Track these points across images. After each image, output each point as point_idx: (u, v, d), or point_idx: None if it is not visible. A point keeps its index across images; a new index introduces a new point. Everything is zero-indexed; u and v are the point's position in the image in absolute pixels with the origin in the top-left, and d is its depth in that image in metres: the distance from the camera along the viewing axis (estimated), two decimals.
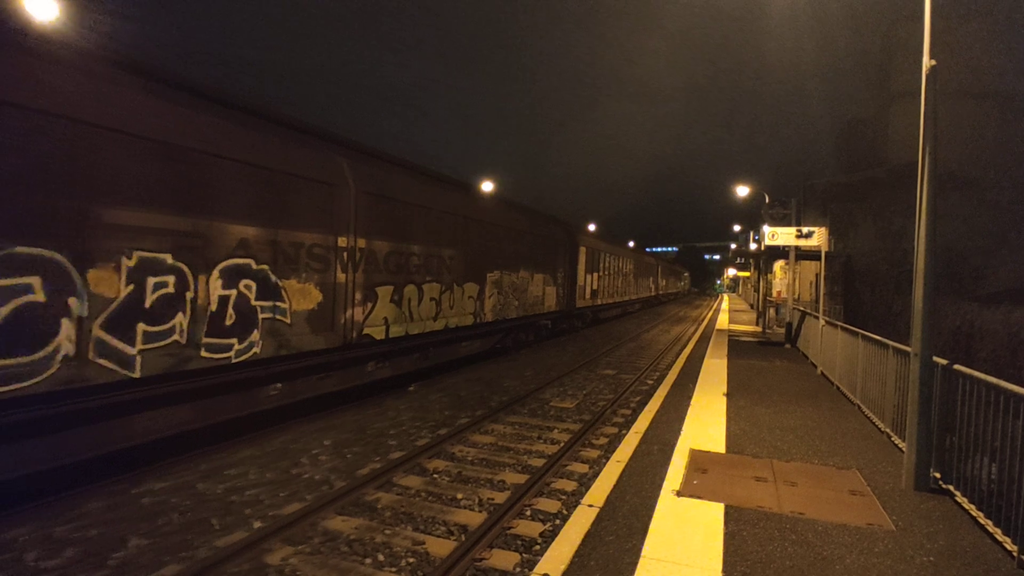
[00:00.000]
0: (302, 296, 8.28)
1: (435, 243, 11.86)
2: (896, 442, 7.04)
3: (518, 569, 4.75)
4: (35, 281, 5.14)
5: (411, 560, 4.88)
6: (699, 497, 5.28)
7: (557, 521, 5.65)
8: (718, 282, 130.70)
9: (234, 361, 7.19)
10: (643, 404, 9.76)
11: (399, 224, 10.54)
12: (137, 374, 6.01)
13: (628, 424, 8.91)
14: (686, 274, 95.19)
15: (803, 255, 20.28)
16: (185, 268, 6.57)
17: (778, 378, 11.91)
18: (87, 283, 5.56)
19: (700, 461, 6.31)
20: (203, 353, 6.78)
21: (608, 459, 6.52)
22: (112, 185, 5.80)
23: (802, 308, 18.77)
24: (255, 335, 7.50)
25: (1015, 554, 4.19)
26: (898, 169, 24.63)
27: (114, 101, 5.93)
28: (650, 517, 4.82)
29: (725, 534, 4.53)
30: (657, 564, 4.03)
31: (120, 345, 5.85)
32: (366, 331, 9.67)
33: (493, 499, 6.21)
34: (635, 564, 4.03)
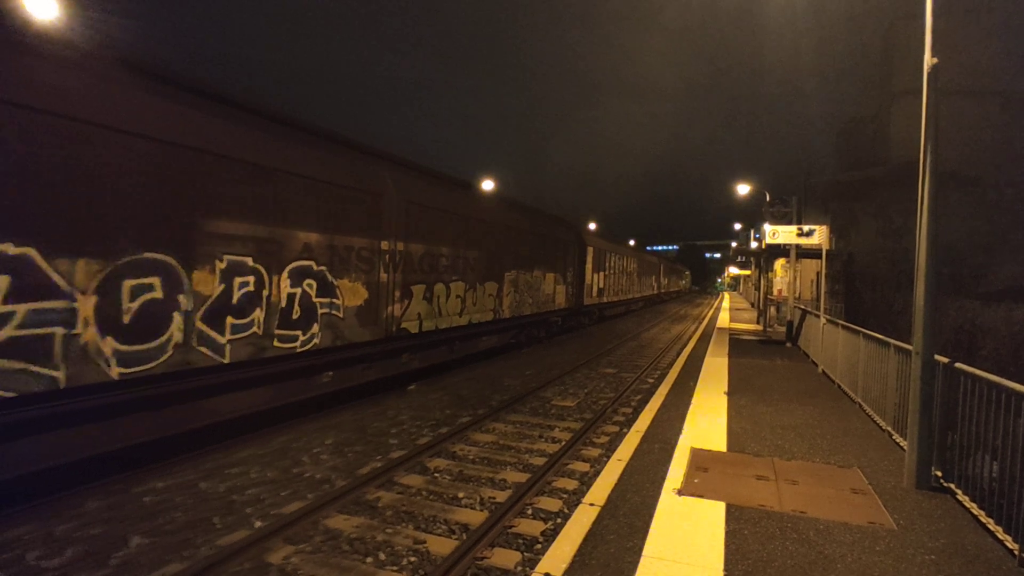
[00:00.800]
0: (352, 294, 9.31)
1: (461, 245, 12.92)
2: (897, 440, 7.03)
3: (519, 568, 4.75)
4: (156, 281, 6.20)
5: (412, 559, 4.88)
6: (700, 496, 5.28)
7: (558, 520, 5.66)
8: (719, 280, 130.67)
9: (299, 350, 8.22)
10: (644, 403, 9.75)
11: (430, 228, 11.62)
12: (226, 360, 7.04)
13: (629, 423, 8.91)
14: (687, 273, 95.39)
15: (804, 253, 20.27)
16: (262, 269, 7.60)
17: (779, 377, 11.90)
18: (192, 283, 6.60)
19: (701, 460, 6.31)
20: (275, 343, 7.81)
21: (609, 458, 6.52)
22: (213, 200, 6.87)
23: (803, 307, 18.75)
24: (315, 328, 8.52)
25: (1016, 552, 4.19)
26: (899, 167, 24.60)
27: (225, 132, 7.21)
28: (651, 516, 4.82)
29: (726, 533, 4.53)
30: (658, 563, 4.03)
31: (214, 335, 6.88)
32: (403, 325, 10.73)
33: (494, 498, 6.21)
34: (636, 563, 4.03)
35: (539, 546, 5.13)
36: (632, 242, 52.67)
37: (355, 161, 9.83)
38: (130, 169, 5.93)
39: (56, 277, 5.32)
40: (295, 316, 8.11)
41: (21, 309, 5.05)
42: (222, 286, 6.97)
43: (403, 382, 11.56)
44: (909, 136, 23.68)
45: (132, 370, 5.94)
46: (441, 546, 5.07)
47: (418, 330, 11.21)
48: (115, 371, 5.80)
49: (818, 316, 13.45)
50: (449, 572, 4.54)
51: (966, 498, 5.16)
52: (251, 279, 7.38)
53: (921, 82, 5.74)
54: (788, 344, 17.79)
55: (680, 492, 5.36)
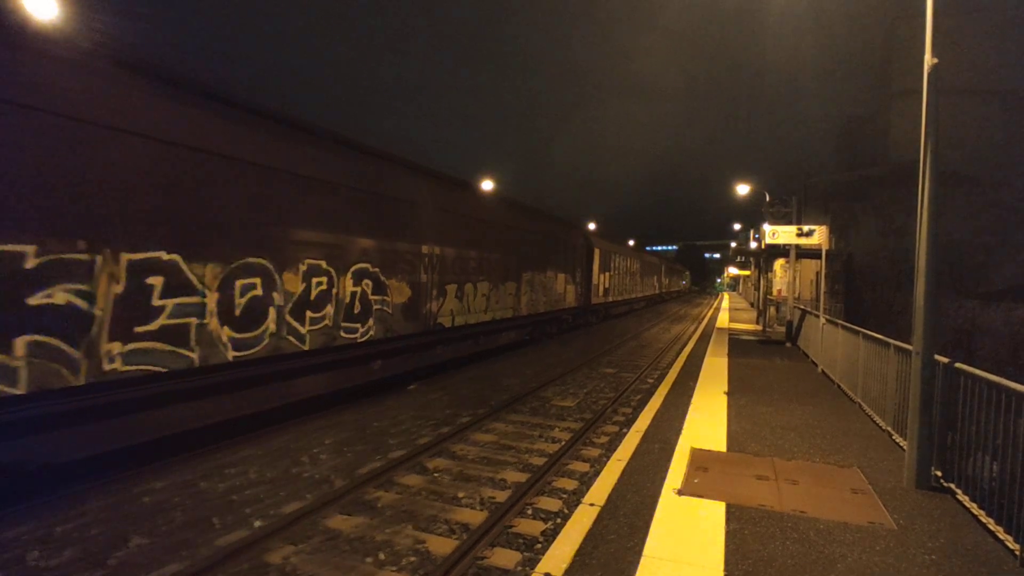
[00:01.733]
0: (399, 292, 10.68)
1: (485, 248, 14.34)
2: (897, 440, 7.03)
3: (520, 568, 4.74)
4: (258, 281, 7.54)
5: (412, 559, 4.87)
6: (700, 496, 5.27)
7: (558, 520, 5.65)
8: (718, 280, 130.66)
9: (359, 340, 9.57)
10: (644, 403, 9.75)
11: (460, 233, 12.99)
12: (306, 347, 8.37)
13: (629, 423, 8.90)
14: (686, 273, 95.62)
15: (803, 253, 20.27)
16: (333, 271, 8.94)
17: (779, 377, 11.90)
18: (283, 282, 7.94)
19: (701, 460, 6.31)
20: (342, 334, 9.18)
21: (609, 458, 6.51)
22: (297, 212, 8.19)
23: (802, 306, 18.75)
24: (371, 322, 9.90)
25: (1017, 552, 4.18)
26: (899, 167, 24.58)
27: (306, 155, 8.59)
28: (651, 516, 4.81)
29: (727, 532, 4.53)
30: (659, 563, 4.03)
31: (297, 326, 8.23)
32: (439, 320, 12.13)
33: (494, 498, 6.20)
34: (637, 563, 4.02)
35: (539, 546, 5.13)
36: (631, 242, 52.72)
37: (398, 174, 11.12)
38: (246, 192, 7.39)
39: (193, 278, 6.63)
40: (356, 311, 9.49)
41: (170, 303, 6.37)
42: (303, 285, 8.33)
43: (408, 381, 11.74)
44: (909, 136, 23.67)
45: (242, 353, 7.27)
46: (441, 546, 5.06)
47: (451, 324, 12.67)
48: (231, 354, 7.11)
49: (818, 316, 13.44)
50: (449, 572, 4.53)
51: (966, 498, 5.16)
52: (324, 279, 8.77)
53: (921, 82, 5.74)
54: (788, 344, 17.79)
55: (680, 492, 5.35)
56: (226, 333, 7.02)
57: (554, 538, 4.55)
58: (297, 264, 8.18)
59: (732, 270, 73.43)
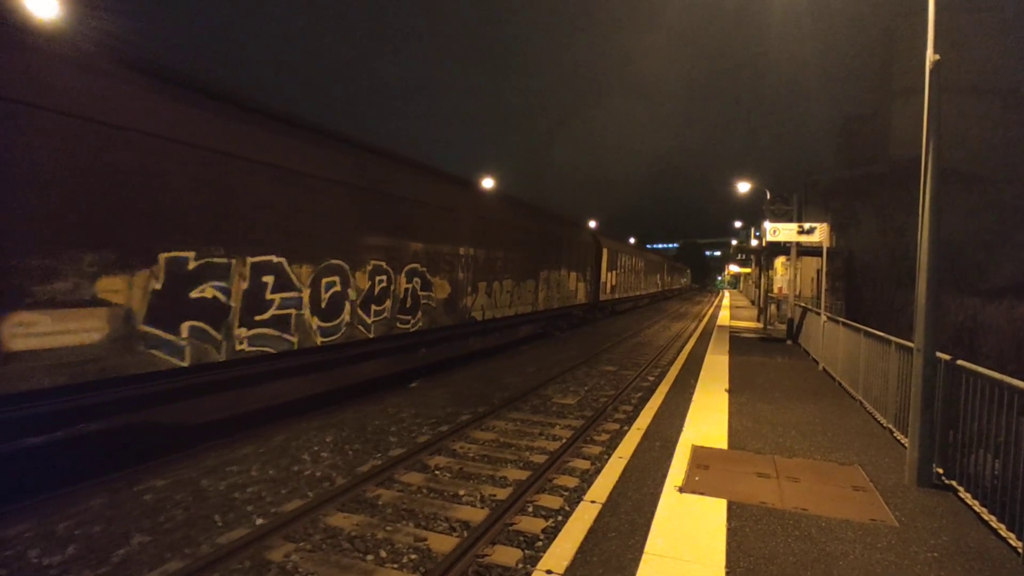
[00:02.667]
0: (441, 289, 12.26)
1: (510, 249, 15.89)
2: (898, 438, 7.03)
3: (521, 566, 4.74)
4: (336, 279, 8.98)
5: (413, 557, 4.87)
6: (701, 493, 5.27)
7: (559, 517, 5.64)
8: (719, 278, 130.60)
9: (410, 331, 11.17)
10: (644, 400, 9.74)
11: (491, 236, 14.61)
12: (371, 335, 9.91)
13: (630, 420, 8.90)
14: (687, 271, 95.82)
15: (804, 251, 20.26)
16: (391, 271, 10.43)
17: (780, 374, 11.90)
18: (355, 280, 9.42)
19: (702, 457, 6.31)
20: (398, 324, 10.70)
21: (610, 455, 6.51)
22: (367, 220, 9.74)
23: (803, 304, 18.74)
24: (419, 314, 11.46)
25: (1020, 550, 4.18)
26: (900, 165, 24.56)
27: (375, 171, 10.21)
28: (653, 513, 4.81)
29: (728, 530, 4.53)
30: (660, 560, 4.02)
31: (365, 317, 9.75)
32: (472, 314, 13.74)
33: (495, 495, 6.20)
34: (638, 560, 4.02)
35: (540, 544, 5.12)
36: (632, 240, 52.81)
37: (443, 186, 12.86)
38: (329, 205, 8.86)
39: (294, 277, 8.11)
40: (408, 305, 11.01)
41: (278, 297, 7.84)
42: (369, 283, 9.81)
43: (411, 378, 11.85)
44: (910, 134, 23.63)
45: (326, 339, 8.78)
46: (442, 544, 5.06)
47: (481, 318, 14.29)
48: (319, 340, 8.61)
49: (819, 314, 13.43)
50: (450, 570, 4.52)
51: (968, 495, 5.15)
52: (385, 277, 10.28)
53: (922, 80, 5.73)
54: (788, 342, 17.78)
55: (681, 489, 5.35)
56: (315, 322, 8.55)
57: (555, 536, 4.54)
58: (365, 265, 9.71)
59: (733, 268, 73.41)
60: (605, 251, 27.10)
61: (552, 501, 6.07)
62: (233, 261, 7.12)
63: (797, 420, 8.06)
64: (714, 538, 4.38)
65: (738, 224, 59.66)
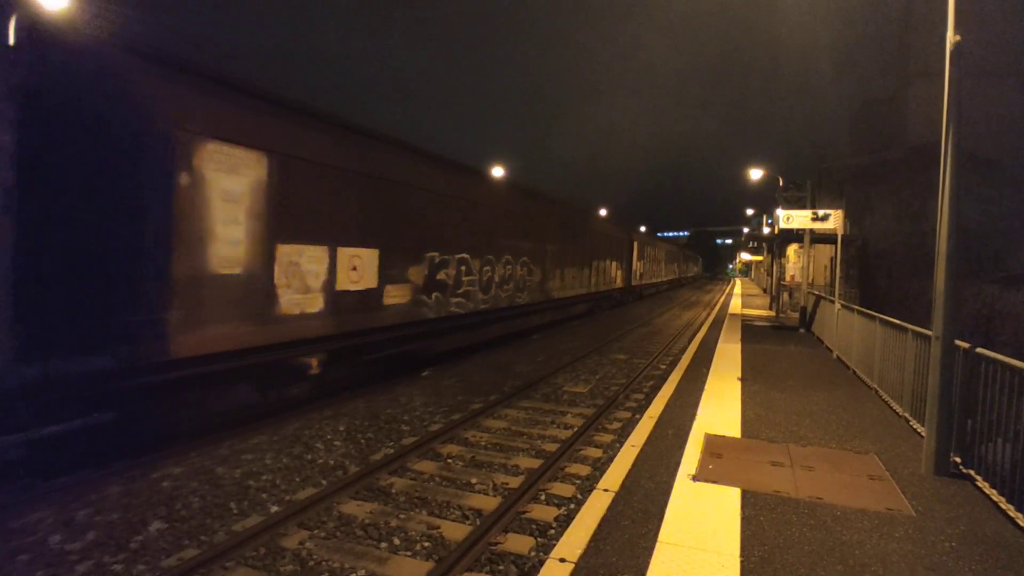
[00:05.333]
0: (536, 274, 17.26)
1: (574, 244, 20.87)
2: (915, 426, 6.95)
3: (533, 553, 4.75)
4: (489, 267, 13.96)
5: (426, 544, 4.89)
6: (715, 482, 5.25)
7: (572, 506, 5.65)
8: (730, 267, 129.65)
9: (520, 303, 16.11)
10: (656, 389, 9.71)
11: (563, 234, 19.75)
12: (503, 306, 14.83)
13: (642, 409, 8.87)
14: (699, 259, 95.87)
15: (818, 238, 20.03)
16: (515, 261, 15.59)
17: (793, 363, 11.81)
18: (496, 268, 14.33)
19: (715, 446, 6.28)
20: (515, 299, 15.73)
21: (622, 444, 6.49)
22: (505, 229, 14.77)
23: (817, 292, 18.56)
24: (525, 293, 16.49)
25: None
26: (917, 149, 24.13)
27: (511, 196, 15.90)
28: (666, 502, 4.80)
29: (742, 519, 4.50)
30: (674, 549, 4.01)
31: (500, 293, 14.67)
32: (551, 294, 18.77)
33: (507, 484, 6.21)
34: (651, 549, 4.01)
35: (553, 532, 5.13)
36: (643, 228, 52.72)
37: (536, 200, 18.14)
38: (487, 221, 13.84)
39: (472, 267, 13.08)
40: (521, 285, 16.09)
41: (465, 279, 12.80)
42: (503, 270, 14.85)
43: (424, 365, 11.78)
44: (927, 118, 23.18)
45: (483, 306, 13.70)
46: (455, 531, 5.08)
47: (557, 297, 19.27)
48: (481, 307, 13.57)
49: (832, 302, 13.29)
50: (463, 557, 4.54)
51: (985, 484, 5.09)
52: (511, 266, 15.36)
53: (941, 62, 5.59)
54: (801, 330, 17.64)
55: (695, 478, 5.33)
56: (479, 295, 13.52)
57: (568, 524, 4.54)
58: (501, 258, 14.65)
59: (744, 256, 72.82)
60: (635, 244, 32.46)
61: (564, 489, 6.08)
62: (449, 258, 12.15)
63: (811, 408, 8.00)
64: (728, 527, 4.36)
65: (750, 211, 59.07)
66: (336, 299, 8.71)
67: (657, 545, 4.06)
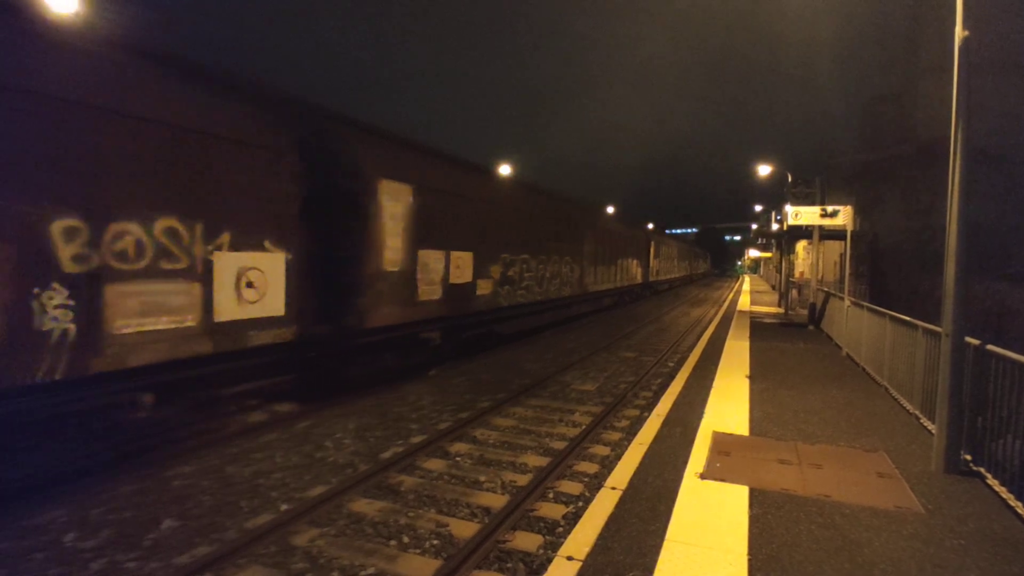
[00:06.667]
0: (576, 271, 20.64)
1: (603, 245, 24.21)
2: (925, 424, 6.92)
3: (541, 551, 4.77)
4: (544, 265, 17.49)
5: (435, 542, 4.93)
6: (723, 480, 5.25)
7: (580, 503, 5.67)
8: (739, 263, 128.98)
9: (565, 295, 19.55)
10: (664, 386, 9.70)
11: (598, 238, 23.41)
12: (552, 297, 18.22)
13: (650, 407, 8.87)
14: (707, 256, 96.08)
15: (827, 235, 19.89)
16: (560, 261, 18.91)
17: (801, 360, 11.76)
18: (548, 266, 17.83)
19: (723, 444, 6.27)
20: (563, 292, 19.25)
21: (630, 442, 6.50)
22: (554, 230, 18.56)
23: (826, 289, 18.45)
24: (568, 287, 19.73)
25: None
26: (927, 145, 23.93)
27: (554, 206, 19.43)
28: (674, 500, 4.80)
29: (750, 517, 4.50)
30: (682, 547, 4.02)
31: (550, 287, 18.14)
32: (587, 288, 22.15)
33: (515, 482, 6.24)
34: (659, 546, 4.02)
35: (561, 530, 5.15)
36: (651, 226, 52.77)
37: (576, 207, 21.63)
38: (544, 229, 17.48)
39: (531, 265, 16.30)
40: (565, 280, 19.49)
41: (528, 275, 16.10)
42: (553, 267, 18.19)
43: (430, 365, 11.84)
44: (936, 113, 22.96)
45: (538, 297, 16.94)
46: (463, 529, 5.12)
47: (590, 290, 22.66)
48: (551, 296, 18.09)
49: (841, 298, 13.22)
50: (472, 555, 4.57)
51: (996, 482, 5.06)
52: (560, 265, 18.83)
53: (948, 56, 5.55)
54: (810, 327, 17.55)
55: (703, 476, 5.33)
56: (536, 288, 16.67)
57: (576, 522, 4.56)
58: (552, 257, 18.05)
59: (753, 252, 72.44)
60: (652, 243, 36.31)
61: (572, 487, 6.10)
62: (516, 258, 15.08)
63: (820, 406, 7.97)
64: (736, 525, 4.36)
65: (758, 208, 58.71)
66: (449, 289, 11.98)
67: (665, 543, 4.07)
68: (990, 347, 5.21)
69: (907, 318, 7.95)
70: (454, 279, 12.11)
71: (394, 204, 9.99)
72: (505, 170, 20.50)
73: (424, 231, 10.83)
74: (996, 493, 4.97)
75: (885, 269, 24.83)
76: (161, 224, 6.24)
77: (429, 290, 11.17)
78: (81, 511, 5.29)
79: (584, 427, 8.11)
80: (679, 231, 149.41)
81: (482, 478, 6.32)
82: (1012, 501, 4.72)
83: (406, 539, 4.97)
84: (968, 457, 5.53)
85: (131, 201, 5.94)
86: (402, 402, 9.34)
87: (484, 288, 13.50)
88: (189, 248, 6.52)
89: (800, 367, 10.90)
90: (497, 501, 5.72)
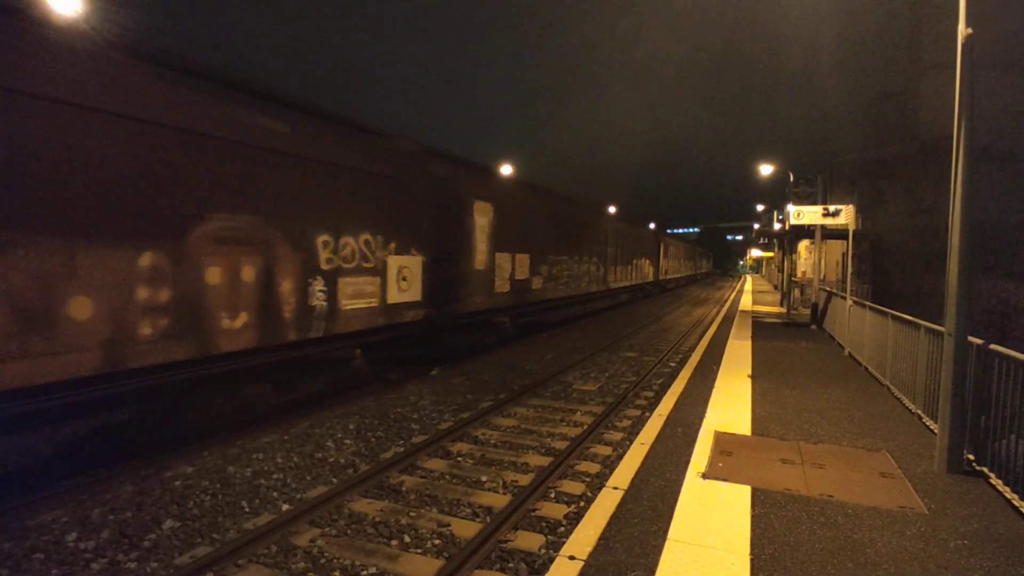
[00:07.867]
0: (599, 268, 23.54)
1: (621, 246, 27.01)
2: (927, 423, 6.89)
3: (543, 551, 4.76)
4: (574, 263, 20.52)
5: (437, 542, 4.92)
6: (725, 479, 5.23)
7: (582, 503, 5.65)
8: (740, 263, 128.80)
9: (590, 291, 22.47)
10: (666, 386, 9.68)
11: (616, 240, 25.93)
12: (579, 293, 21.24)
13: (651, 406, 8.85)
14: (709, 255, 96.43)
15: (829, 234, 19.85)
16: (585, 259, 21.71)
17: (804, 359, 11.73)
18: (578, 265, 21.10)
19: (725, 443, 6.25)
20: (588, 289, 22.19)
21: (632, 441, 6.48)
22: (584, 235, 21.84)
23: (828, 288, 18.41)
24: (591, 284, 22.55)
25: None
26: (930, 143, 23.85)
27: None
28: (676, 499, 4.79)
29: (752, 517, 4.48)
30: (684, 546, 4.00)
31: (579, 284, 21.17)
32: (610, 284, 25.15)
33: (517, 481, 6.23)
34: (661, 546, 4.01)
35: (563, 529, 5.14)
36: (652, 225, 52.65)
37: (602, 214, 24.73)
38: (574, 234, 20.57)
39: (564, 262, 19.29)
40: (592, 277, 22.44)
41: (563, 273, 19.28)
42: (582, 265, 21.25)
43: (435, 364, 11.84)
44: (939, 111, 22.92)
45: (571, 293, 20.38)
46: (465, 529, 5.11)
47: (612, 287, 25.63)
48: (579, 293, 21.21)
49: (844, 298, 13.19)
50: (474, 555, 4.56)
51: (999, 482, 5.04)
52: (587, 264, 21.76)
53: (951, 54, 5.53)
54: (813, 326, 17.51)
55: (705, 476, 5.31)
56: (569, 284, 19.48)
57: (578, 521, 4.54)
58: (582, 256, 20.83)
59: (755, 252, 72.33)
60: (662, 244, 39.59)
61: (574, 487, 6.08)
62: (557, 258, 17.71)
63: (822, 406, 7.95)
64: (738, 525, 4.34)
65: (760, 207, 58.59)
66: (514, 284, 15.03)
67: (667, 543, 4.05)
68: (993, 346, 5.18)
69: (909, 317, 7.92)
70: (518, 276, 15.25)
71: (481, 218, 13.21)
72: (506, 170, 20.46)
73: (498, 238, 13.96)
74: (1000, 493, 4.95)
75: (888, 268, 24.77)
76: (363, 237, 9.23)
77: (501, 284, 14.29)
78: (82, 511, 5.29)
79: (586, 427, 8.09)
80: (680, 231, 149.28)
81: (484, 478, 6.31)
82: (1016, 501, 4.69)
83: (407, 539, 4.96)
84: (971, 457, 5.50)
85: (351, 222, 8.91)
86: (403, 402, 9.33)
87: (536, 284, 16.75)
88: (375, 253, 9.50)
89: (802, 367, 10.87)
90: (499, 501, 5.71)
